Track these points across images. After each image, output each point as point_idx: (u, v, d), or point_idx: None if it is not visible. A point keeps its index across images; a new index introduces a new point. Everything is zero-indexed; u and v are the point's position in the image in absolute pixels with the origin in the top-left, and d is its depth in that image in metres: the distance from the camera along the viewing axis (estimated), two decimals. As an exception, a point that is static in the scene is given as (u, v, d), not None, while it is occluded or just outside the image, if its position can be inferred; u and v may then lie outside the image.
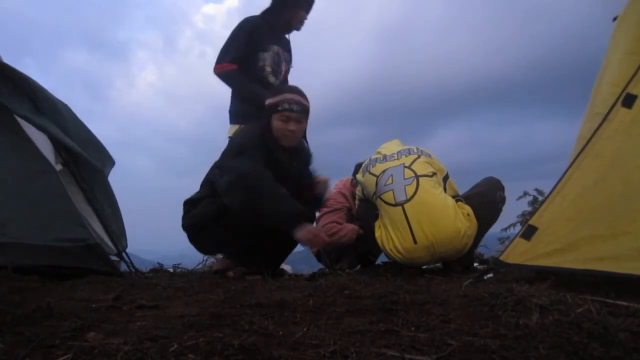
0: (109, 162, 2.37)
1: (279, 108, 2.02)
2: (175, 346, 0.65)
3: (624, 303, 0.96)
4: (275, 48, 2.63)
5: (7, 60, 1.99)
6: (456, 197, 2.12)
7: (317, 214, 2.65)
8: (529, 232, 1.49)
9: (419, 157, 2.13)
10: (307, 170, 2.27)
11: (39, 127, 1.89)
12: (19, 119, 1.87)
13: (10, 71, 1.85)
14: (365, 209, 2.31)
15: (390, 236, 2.01)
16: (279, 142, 2.03)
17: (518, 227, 4.59)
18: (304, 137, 2.47)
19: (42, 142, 1.96)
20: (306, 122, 2.14)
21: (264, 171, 1.82)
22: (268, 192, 1.78)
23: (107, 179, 2.33)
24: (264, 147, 1.97)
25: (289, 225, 1.81)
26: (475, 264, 2.32)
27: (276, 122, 2.01)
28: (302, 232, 1.78)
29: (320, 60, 61.33)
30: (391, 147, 2.32)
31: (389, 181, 2.06)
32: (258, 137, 2.00)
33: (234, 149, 1.96)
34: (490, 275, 1.55)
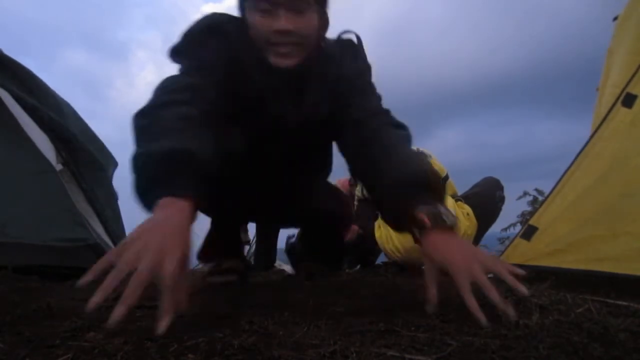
0: (112, 163, 2.36)
1: None
2: (175, 346, 0.65)
3: (624, 303, 0.96)
4: None
5: (6, 60, 1.99)
6: (455, 197, 2.12)
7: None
8: (529, 232, 1.49)
9: (418, 157, 2.13)
10: (346, 118, 1.12)
11: (43, 119, 1.89)
12: (19, 119, 1.87)
13: (12, 64, 1.85)
14: (364, 209, 2.31)
15: (390, 236, 2.01)
16: (265, 60, 1.06)
17: (518, 227, 4.59)
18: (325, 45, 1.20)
19: (42, 142, 1.95)
20: (323, 12, 1.12)
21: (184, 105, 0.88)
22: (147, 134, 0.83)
23: (110, 179, 2.32)
24: (234, 71, 1.07)
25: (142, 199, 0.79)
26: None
27: (252, 17, 1.04)
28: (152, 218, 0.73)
29: (320, 60, 62.24)
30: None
31: (389, 181, 2.06)
32: (224, 50, 1.06)
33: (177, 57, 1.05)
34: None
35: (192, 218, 0.77)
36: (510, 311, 0.75)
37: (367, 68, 1.23)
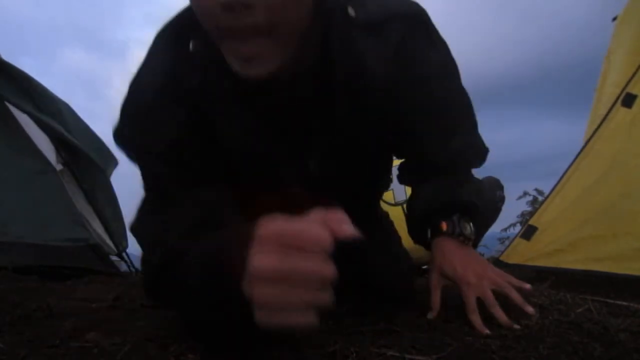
0: (112, 161, 2.36)
1: None
2: (175, 346, 0.65)
3: (624, 303, 0.96)
4: None
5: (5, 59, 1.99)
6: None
7: None
8: (529, 232, 1.49)
9: (419, 157, 2.13)
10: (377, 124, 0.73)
11: (42, 124, 1.89)
12: (19, 119, 1.87)
13: (11, 69, 1.85)
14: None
15: (391, 236, 2.01)
16: (234, 79, 0.61)
17: (518, 227, 4.59)
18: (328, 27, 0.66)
19: (42, 142, 1.96)
20: None
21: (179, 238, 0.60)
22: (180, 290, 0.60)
23: (109, 179, 2.33)
24: (201, 125, 0.67)
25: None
26: (475, 264, 2.32)
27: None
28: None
29: (320, 60, 60.81)
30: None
31: (389, 181, 2.06)
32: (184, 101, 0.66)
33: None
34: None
35: None
36: (529, 309, 0.76)
37: (444, 66, 0.76)
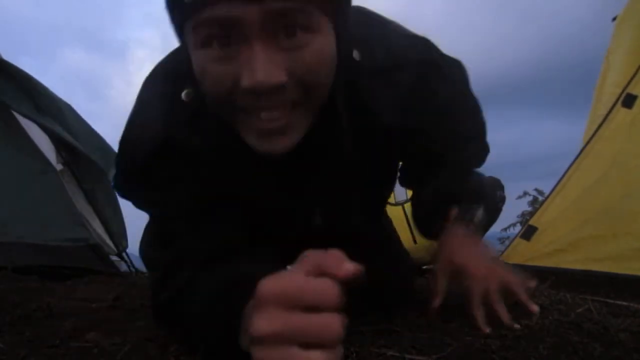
0: (113, 161, 2.35)
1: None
2: (176, 346, 0.65)
3: (624, 303, 0.96)
4: None
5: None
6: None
7: None
8: (529, 232, 1.49)
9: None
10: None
11: (41, 126, 1.89)
12: (19, 118, 1.87)
13: (11, 68, 1.85)
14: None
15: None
16: (240, 144, 0.57)
17: (518, 227, 4.60)
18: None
19: (43, 142, 1.96)
20: (343, 16, 0.54)
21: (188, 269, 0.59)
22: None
23: (109, 179, 2.32)
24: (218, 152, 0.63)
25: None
26: (475, 264, 2.32)
27: (199, 64, 0.51)
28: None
29: (320, 60, 60.40)
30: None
31: (389, 181, 2.07)
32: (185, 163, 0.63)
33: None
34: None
35: None
36: (533, 307, 0.73)
37: (459, 91, 0.75)
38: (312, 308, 0.35)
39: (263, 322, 0.36)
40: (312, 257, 0.39)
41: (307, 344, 0.35)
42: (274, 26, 0.48)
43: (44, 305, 0.93)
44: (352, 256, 0.39)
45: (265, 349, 0.36)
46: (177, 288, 0.59)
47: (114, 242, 2.15)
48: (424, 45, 0.70)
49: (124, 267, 2.17)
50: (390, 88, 0.65)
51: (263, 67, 0.47)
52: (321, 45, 0.51)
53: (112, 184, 0.75)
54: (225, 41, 0.49)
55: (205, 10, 0.47)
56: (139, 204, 0.72)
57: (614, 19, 1.83)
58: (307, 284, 0.36)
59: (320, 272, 0.37)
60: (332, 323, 0.35)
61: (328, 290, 0.36)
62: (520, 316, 0.76)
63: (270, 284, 0.38)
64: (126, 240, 2.29)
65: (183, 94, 0.61)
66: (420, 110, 0.69)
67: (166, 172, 0.64)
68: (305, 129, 0.56)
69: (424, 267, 2.15)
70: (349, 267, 0.37)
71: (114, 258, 2.12)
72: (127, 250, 2.23)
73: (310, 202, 0.71)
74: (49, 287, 1.33)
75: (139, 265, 2.29)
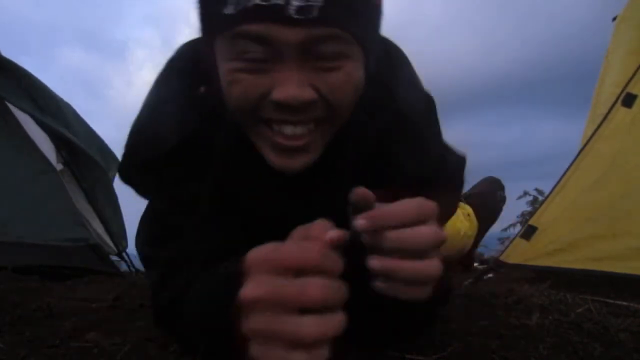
0: (114, 163, 2.35)
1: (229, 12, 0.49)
2: (175, 346, 0.65)
3: (624, 303, 0.96)
4: None
5: (4, 59, 1.99)
6: (456, 197, 2.12)
7: None
8: (529, 232, 1.49)
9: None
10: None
11: (40, 122, 1.88)
12: (19, 118, 1.87)
13: (11, 65, 1.85)
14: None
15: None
16: (252, 155, 0.60)
17: (518, 227, 4.59)
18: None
19: (43, 142, 1.96)
20: (371, 50, 0.56)
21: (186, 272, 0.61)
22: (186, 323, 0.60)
23: (110, 178, 2.32)
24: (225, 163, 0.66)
25: None
26: (475, 264, 2.33)
27: (228, 72, 0.53)
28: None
29: (320, 60, 59.10)
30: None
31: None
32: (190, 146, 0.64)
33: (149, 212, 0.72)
34: (490, 275, 1.55)
35: None
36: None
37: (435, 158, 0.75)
38: (301, 273, 0.36)
39: (249, 288, 0.36)
40: (299, 229, 0.40)
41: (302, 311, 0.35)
42: (311, 49, 0.50)
43: (44, 305, 0.93)
44: (353, 264, 0.40)
45: (253, 316, 0.36)
46: (177, 288, 0.60)
47: (114, 242, 2.15)
48: (426, 103, 0.74)
49: (124, 267, 2.17)
50: (378, 126, 0.68)
51: (296, 83, 0.50)
52: (351, 70, 0.54)
53: (115, 174, 0.73)
54: (261, 55, 0.51)
55: (247, 25, 0.49)
56: (143, 192, 0.72)
57: (614, 19, 1.83)
58: (290, 248, 0.37)
59: (306, 240, 0.38)
60: (317, 286, 0.35)
61: (310, 251, 0.36)
62: (520, 316, 0.76)
63: (257, 252, 0.38)
64: (126, 240, 2.29)
65: (199, 93, 0.63)
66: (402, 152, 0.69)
67: (181, 168, 0.65)
68: (322, 148, 0.58)
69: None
70: (333, 233, 0.38)
71: (114, 258, 2.12)
72: (127, 250, 2.23)
73: (315, 213, 0.72)
74: (49, 287, 1.33)
75: (139, 265, 2.29)
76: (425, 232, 0.40)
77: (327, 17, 0.49)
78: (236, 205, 0.67)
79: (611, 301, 0.98)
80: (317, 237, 0.38)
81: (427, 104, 0.75)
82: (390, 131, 0.68)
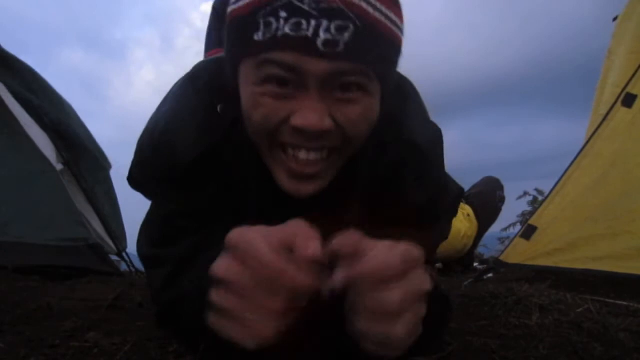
0: (107, 164, 2.36)
1: (259, 38, 0.52)
2: (175, 346, 0.65)
3: (624, 303, 0.96)
4: None
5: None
6: (456, 197, 2.12)
7: None
8: (529, 232, 1.49)
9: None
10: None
11: (37, 112, 1.88)
12: (19, 119, 1.87)
13: (13, 60, 1.85)
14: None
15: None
16: (265, 178, 0.63)
17: (518, 227, 4.59)
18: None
19: (43, 142, 1.95)
20: (386, 86, 0.60)
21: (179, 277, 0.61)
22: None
23: (110, 178, 2.32)
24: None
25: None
26: (475, 264, 2.33)
27: (251, 95, 0.56)
28: None
29: (320, 60, 59.04)
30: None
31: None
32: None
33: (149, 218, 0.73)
34: (490, 275, 1.55)
35: None
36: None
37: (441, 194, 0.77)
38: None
39: (221, 265, 0.39)
40: (289, 227, 0.41)
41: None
42: (334, 81, 0.53)
43: (44, 305, 0.93)
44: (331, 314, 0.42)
45: (223, 291, 0.39)
46: (181, 286, 0.61)
47: (114, 242, 2.14)
48: (434, 136, 0.75)
49: (124, 267, 2.17)
50: (384, 161, 0.70)
51: (317, 112, 0.53)
52: (369, 105, 0.57)
53: (129, 179, 0.76)
54: (285, 82, 0.53)
55: (276, 53, 0.51)
56: (154, 198, 0.73)
57: (615, 19, 1.83)
58: (270, 257, 0.38)
59: (289, 247, 0.40)
60: (286, 270, 0.37)
61: (286, 268, 0.38)
62: (521, 316, 0.76)
63: (236, 233, 0.40)
64: (126, 240, 2.29)
65: (218, 108, 0.65)
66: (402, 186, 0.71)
67: (197, 179, 0.66)
68: (333, 176, 0.61)
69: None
70: (313, 247, 0.39)
71: (114, 258, 2.12)
72: (127, 250, 2.23)
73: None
74: (49, 287, 1.33)
75: (139, 265, 2.29)
76: (400, 295, 0.40)
77: (352, 52, 0.51)
78: (244, 217, 0.66)
79: (611, 301, 0.98)
80: (300, 248, 0.39)
81: (435, 136, 0.76)
82: (398, 162, 0.69)
